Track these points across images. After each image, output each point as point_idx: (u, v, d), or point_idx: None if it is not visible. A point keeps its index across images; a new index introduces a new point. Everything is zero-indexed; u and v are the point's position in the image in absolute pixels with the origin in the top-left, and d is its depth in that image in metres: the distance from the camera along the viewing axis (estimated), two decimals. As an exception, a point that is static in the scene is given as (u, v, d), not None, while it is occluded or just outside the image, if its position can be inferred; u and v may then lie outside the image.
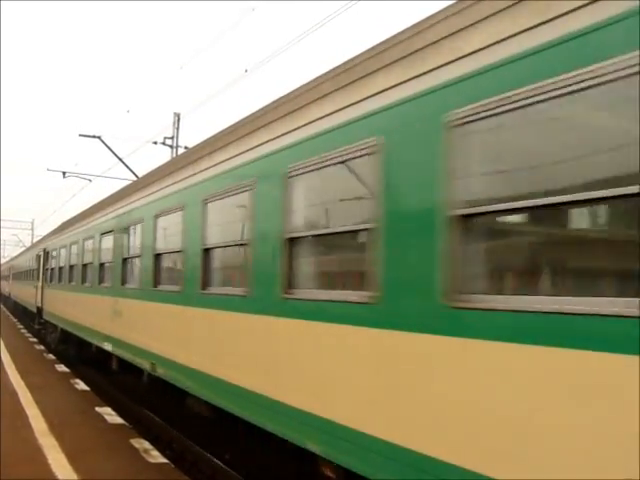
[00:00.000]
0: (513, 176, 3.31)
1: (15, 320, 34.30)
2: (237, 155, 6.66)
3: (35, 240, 53.36)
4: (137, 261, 10.36)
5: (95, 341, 13.47)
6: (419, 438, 3.66)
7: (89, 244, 14.52)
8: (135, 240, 10.64)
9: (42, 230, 58.75)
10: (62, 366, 16.08)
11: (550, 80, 2.93)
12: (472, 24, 3.53)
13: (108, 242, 12.54)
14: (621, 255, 2.87)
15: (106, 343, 12.24)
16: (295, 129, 5.41)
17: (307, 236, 5.30)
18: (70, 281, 17.00)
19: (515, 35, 3.21)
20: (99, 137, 25.96)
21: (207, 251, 7.27)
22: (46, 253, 22.74)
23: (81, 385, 13.32)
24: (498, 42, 3.31)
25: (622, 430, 2.58)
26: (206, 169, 7.57)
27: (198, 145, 8.52)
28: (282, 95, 6.10)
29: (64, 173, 31.52)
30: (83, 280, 15.06)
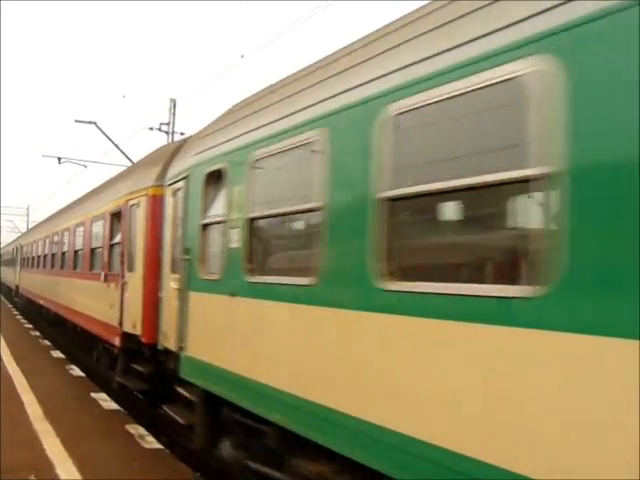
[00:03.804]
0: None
1: (10, 306, 34.30)
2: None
3: (30, 226, 53.13)
4: None
5: None
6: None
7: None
8: None
9: (37, 216, 58.54)
10: (57, 352, 16.11)
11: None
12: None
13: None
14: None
15: None
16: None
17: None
18: None
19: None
20: (95, 123, 25.87)
21: None
22: None
23: (76, 371, 13.35)
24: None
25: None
26: None
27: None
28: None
29: (60, 159, 31.38)
30: None
